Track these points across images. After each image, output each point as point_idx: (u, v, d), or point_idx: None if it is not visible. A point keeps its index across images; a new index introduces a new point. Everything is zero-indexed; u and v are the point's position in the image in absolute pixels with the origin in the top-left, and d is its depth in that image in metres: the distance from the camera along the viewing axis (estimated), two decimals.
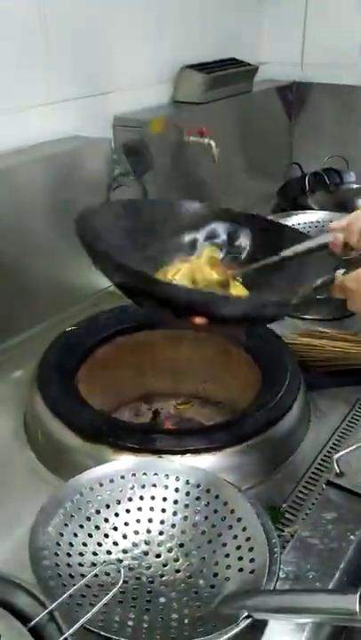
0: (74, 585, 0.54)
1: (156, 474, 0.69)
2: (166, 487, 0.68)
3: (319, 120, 1.78)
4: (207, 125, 1.42)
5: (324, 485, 0.75)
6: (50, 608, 0.48)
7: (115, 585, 0.56)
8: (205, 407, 1.08)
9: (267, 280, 0.86)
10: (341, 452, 0.76)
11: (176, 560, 0.63)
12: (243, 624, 0.52)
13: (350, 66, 1.70)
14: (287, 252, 0.85)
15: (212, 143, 1.37)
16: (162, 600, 0.59)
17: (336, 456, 0.75)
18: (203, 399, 1.08)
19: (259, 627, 0.57)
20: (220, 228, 0.95)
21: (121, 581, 0.49)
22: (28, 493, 0.76)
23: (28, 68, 1.14)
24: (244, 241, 0.94)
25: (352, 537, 0.66)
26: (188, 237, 0.94)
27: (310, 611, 0.50)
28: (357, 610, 0.46)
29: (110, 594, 0.47)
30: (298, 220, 1.22)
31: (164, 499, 0.68)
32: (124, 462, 0.70)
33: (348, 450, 0.75)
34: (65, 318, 1.15)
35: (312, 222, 1.21)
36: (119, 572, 0.50)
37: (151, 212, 0.94)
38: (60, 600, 0.48)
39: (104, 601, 0.47)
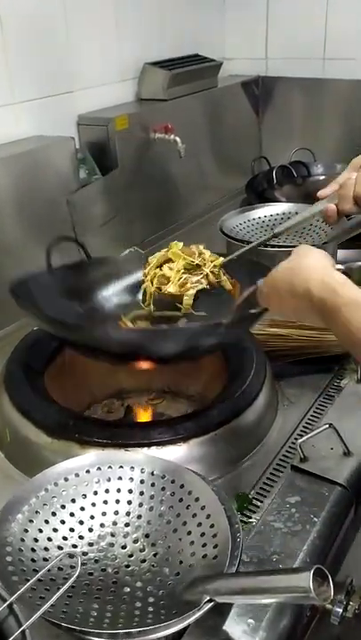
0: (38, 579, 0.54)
1: (121, 466, 0.70)
2: (132, 479, 0.69)
3: (286, 114, 1.80)
4: (173, 122, 1.43)
5: (289, 471, 0.76)
6: (9, 601, 0.48)
7: (78, 577, 0.57)
8: (177, 401, 1.08)
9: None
10: (304, 437, 0.77)
11: (142, 550, 0.64)
12: (205, 608, 0.53)
13: (315, 59, 1.72)
14: (280, 228, 0.86)
15: (178, 139, 1.38)
16: (126, 590, 0.59)
17: (299, 441, 0.76)
18: (174, 394, 1.09)
19: (224, 611, 0.58)
20: None
21: (78, 571, 0.50)
22: None
23: None
24: None
25: (315, 519, 0.67)
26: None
27: (268, 591, 0.50)
28: (311, 587, 0.47)
29: (65, 586, 0.48)
30: (264, 212, 1.22)
31: (130, 491, 0.68)
32: (89, 457, 0.70)
33: (310, 435, 0.76)
34: None
35: (278, 214, 1.22)
36: (73, 567, 0.50)
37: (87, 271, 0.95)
38: (18, 593, 0.48)
39: (59, 593, 0.48)
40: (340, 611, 0.74)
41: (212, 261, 0.87)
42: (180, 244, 0.90)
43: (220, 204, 1.67)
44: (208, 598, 0.53)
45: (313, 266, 0.66)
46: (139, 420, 0.96)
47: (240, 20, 1.76)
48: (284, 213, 1.23)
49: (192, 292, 0.84)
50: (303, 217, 0.86)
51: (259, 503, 0.74)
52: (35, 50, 1.22)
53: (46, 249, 0.92)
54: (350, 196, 0.77)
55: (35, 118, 1.25)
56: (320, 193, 0.82)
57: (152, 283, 0.88)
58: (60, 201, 1.23)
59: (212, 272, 0.86)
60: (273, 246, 1.09)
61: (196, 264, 0.86)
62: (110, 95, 1.42)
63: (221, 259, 0.88)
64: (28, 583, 0.51)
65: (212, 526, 0.62)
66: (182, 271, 0.86)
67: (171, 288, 0.84)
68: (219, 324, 0.72)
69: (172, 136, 1.39)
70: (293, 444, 0.83)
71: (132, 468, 0.69)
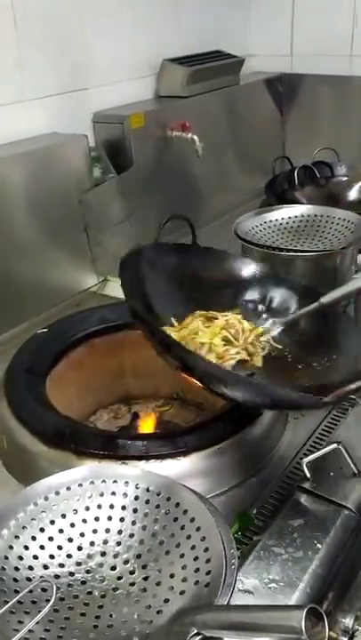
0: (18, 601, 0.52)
1: (115, 481, 0.66)
2: (125, 495, 0.66)
3: (310, 112, 1.74)
4: (192, 119, 1.39)
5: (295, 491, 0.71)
6: None
7: (62, 600, 0.54)
8: (186, 409, 1.05)
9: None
10: (311, 457, 0.72)
11: (132, 572, 0.60)
12: None
13: (341, 56, 1.66)
14: (328, 298, 0.84)
15: (195, 138, 1.34)
16: (113, 616, 0.56)
17: (305, 460, 0.72)
18: (183, 401, 1.06)
19: None
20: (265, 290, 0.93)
21: (53, 599, 0.47)
22: None
23: (3, 64, 1.12)
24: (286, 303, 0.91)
25: (318, 545, 0.63)
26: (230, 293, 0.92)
27: (258, 628, 0.46)
28: (303, 628, 0.43)
29: (38, 616, 0.45)
30: (281, 214, 1.18)
31: (123, 507, 0.65)
32: (82, 470, 0.67)
33: (318, 454, 0.72)
34: (45, 319, 1.12)
35: (296, 216, 1.17)
36: (58, 587, 0.47)
37: (198, 259, 0.92)
38: None
39: (35, 620, 0.45)
40: None
41: (250, 330, 0.86)
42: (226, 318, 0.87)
43: (238, 205, 1.62)
44: (195, 631, 0.50)
45: None
46: (141, 430, 0.93)
47: (265, 16, 1.71)
48: (303, 216, 1.18)
49: (231, 362, 0.82)
50: (353, 287, 0.84)
51: (261, 524, 0.70)
52: (50, 46, 1.20)
53: (159, 225, 0.92)
54: None
55: (49, 115, 1.22)
56: None
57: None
58: (73, 200, 1.21)
59: (251, 343, 0.85)
60: (289, 251, 1.05)
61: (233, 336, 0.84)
62: (127, 92, 1.39)
63: (260, 329, 0.87)
64: (5, 607, 0.48)
65: (206, 550, 0.58)
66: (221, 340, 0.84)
67: (210, 358, 0.82)
68: (319, 401, 0.69)
69: (190, 134, 1.35)
70: (300, 462, 0.79)
71: (127, 483, 0.66)
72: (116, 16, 1.33)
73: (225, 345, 0.83)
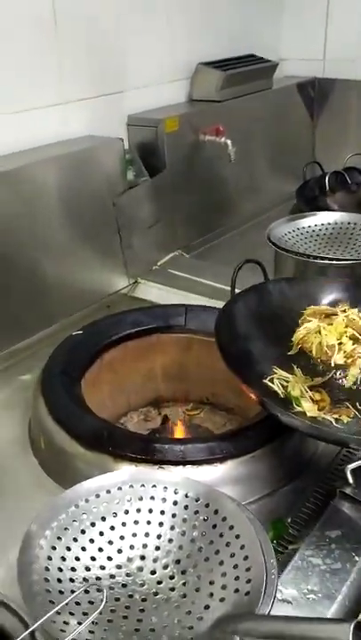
0: (62, 602, 0.53)
1: (154, 486, 0.67)
2: (164, 500, 0.66)
3: (342, 117, 1.74)
4: (225, 123, 1.39)
5: (333, 498, 0.72)
6: (31, 629, 0.46)
7: (106, 603, 0.55)
8: (216, 414, 1.05)
9: None
10: (356, 464, 0.72)
11: (171, 577, 0.61)
12: None
13: None
14: None
15: (228, 142, 1.35)
16: (153, 620, 0.57)
17: (350, 467, 0.72)
18: (213, 405, 1.06)
19: None
20: None
21: (103, 605, 0.48)
22: (28, 501, 0.75)
23: (40, 68, 1.14)
24: None
25: (356, 558, 0.63)
26: None
27: (302, 639, 0.47)
28: None
29: (87, 620, 0.45)
30: (314, 221, 1.18)
31: (162, 512, 0.66)
32: (121, 473, 0.68)
33: None
34: (76, 320, 1.14)
35: (329, 223, 1.17)
36: (100, 591, 0.48)
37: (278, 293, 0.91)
38: (40, 621, 0.46)
39: (82, 627, 0.46)
40: None
41: None
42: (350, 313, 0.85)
43: (268, 210, 1.62)
44: (238, 639, 0.50)
45: None
46: (175, 436, 0.93)
47: (299, 20, 1.71)
48: (336, 223, 1.18)
49: (360, 362, 0.80)
50: None
51: (296, 533, 0.70)
52: (86, 49, 1.21)
53: (233, 274, 0.91)
54: None
55: (84, 118, 1.24)
56: None
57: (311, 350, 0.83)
58: (107, 202, 1.22)
59: None
60: (323, 258, 1.06)
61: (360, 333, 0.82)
62: (161, 96, 1.40)
63: None
64: (53, 610, 0.49)
65: (245, 558, 0.59)
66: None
67: (339, 359, 0.80)
68: None
69: (223, 139, 1.36)
70: (337, 469, 0.79)
71: (166, 488, 0.67)
72: (151, 20, 1.33)
73: (353, 344, 0.81)
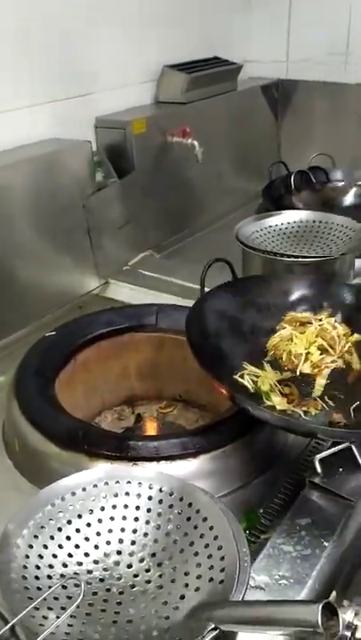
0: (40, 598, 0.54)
1: (129, 482, 0.68)
2: (139, 495, 0.68)
3: (305, 118, 1.77)
4: (192, 125, 1.41)
5: (303, 488, 0.74)
6: (10, 624, 0.48)
7: (83, 597, 0.56)
8: (189, 411, 1.07)
9: None
10: (323, 454, 0.75)
11: (147, 570, 0.63)
12: (209, 636, 0.52)
13: (336, 62, 1.69)
14: None
15: (195, 143, 1.37)
16: (131, 611, 0.58)
17: (318, 457, 0.74)
18: (186, 402, 1.08)
19: (228, 638, 0.57)
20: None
21: (80, 598, 0.49)
22: (3, 503, 0.76)
23: (7, 71, 1.14)
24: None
25: (325, 543, 0.66)
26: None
27: (275, 622, 0.49)
28: (319, 621, 0.45)
29: (66, 613, 0.47)
30: (280, 219, 1.20)
31: (137, 507, 0.67)
32: (96, 471, 0.69)
33: (330, 451, 0.74)
34: (49, 322, 1.15)
35: (295, 222, 1.20)
36: (78, 586, 0.49)
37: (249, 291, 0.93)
38: (19, 616, 0.47)
39: (63, 617, 0.47)
40: (349, 635, 0.73)
41: (345, 335, 0.85)
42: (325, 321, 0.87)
43: (236, 209, 1.65)
44: (213, 626, 0.52)
45: None
46: (148, 433, 0.95)
47: (262, 23, 1.74)
48: (301, 221, 1.21)
49: (327, 371, 0.82)
50: None
51: (268, 522, 0.73)
52: (53, 52, 1.21)
53: (202, 274, 0.92)
54: None
55: (52, 120, 1.24)
56: None
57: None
58: (76, 204, 1.23)
59: (347, 351, 0.84)
60: (290, 256, 1.08)
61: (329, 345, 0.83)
62: (128, 98, 1.41)
63: (357, 336, 0.85)
64: (32, 605, 0.50)
65: (219, 548, 0.61)
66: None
67: (305, 369, 0.82)
68: None
69: (190, 140, 1.38)
70: (306, 460, 0.81)
71: (140, 483, 0.68)
72: (117, 22, 1.34)
73: (321, 354, 0.82)
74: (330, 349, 0.83)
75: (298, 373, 0.83)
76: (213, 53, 1.60)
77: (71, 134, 1.25)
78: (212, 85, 1.53)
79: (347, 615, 0.74)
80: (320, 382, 0.82)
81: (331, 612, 0.48)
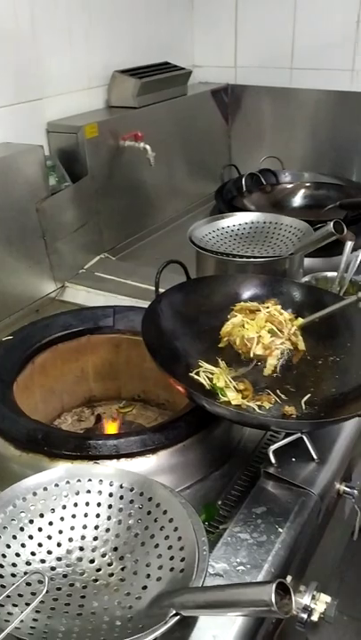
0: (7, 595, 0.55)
1: (90, 480, 0.70)
2: (100, 492, 0.70)
3: (255, 122, 1.82)
4: (143, 129, 1.43)
5: (259, 479, 0.77)
6: None
7: (47, 593, 0.57)
8: (148, 410, 1.09)
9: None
10: (276, 445, 0.78)
11: (110, 564, 0.65)
12: (171, 622, 0.54)
13: (282, 68, 1.74)
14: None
15: (148, 147, 1.39)
16: (95, 604, 0.60)
17: (272, 448, 0.78)
18: (145, 402, 1.10)
19: (190, 623, 0.59)
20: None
21: (44, 592, 0.50)
22: None
23: None
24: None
25: (280, 529, 0.69)
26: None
27: (232, 604, 0.52)
28: (273, 600, 0.48)
29: (29, 607, 0.48)
30: (232, 221, 1.23)
31: (99, 504, 0.69)
32: (57, 470, 0.70)
33: (283, 442, 0.78)
34: (6, 326, 1.15)
35: (246, 223, 1.24)
36: (42, 582, 0.50)
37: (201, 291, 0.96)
38: None
39: (27, 611, 0.48)
40: (305, 617, 0.77)
41: (290, 320, 0.91)
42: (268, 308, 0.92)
43: (190, 211, 1.68)
44: (174, 612, 0.54)
45: None
46: (108, 432, 0.96)
47: (209, 29, 1.78)
48: (253, 222, 1.25)
49: (277, 352, 0.88)
50: None
51: (226, 513, 0.75)
52: (3, 57, 1.21)
53: (156, 276, 0.95)
54: None
55: (3, 125, 1.24)
56: None
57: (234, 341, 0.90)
58: (29, 208, 1.23)
59: (293, 333, 0.90)
60: (242, 257, 1.12)
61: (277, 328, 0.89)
62: (80, 102, 1.42)
63: (300, 320, 0.91)
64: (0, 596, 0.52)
65: (179, 539, 0.63)
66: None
67: (258, 350, 0.87)
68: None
69: (142, 144, 1.40)
70: (262, 452, 0.85)
71: (101, 481, 0.70)
72: (67, 28, 1.35)
73: (271, 337, 0.88)
74: (279, 332, 0.89)
75: (252, 355, 0.88)
76: (163, 59, 1.63)
77: (23, 139, 1.25)
78: (163, 90, 1.56)
79: (304, 599, 0.78)
80: (271, 362, 0.88)
81: (284, 591, 0.50)
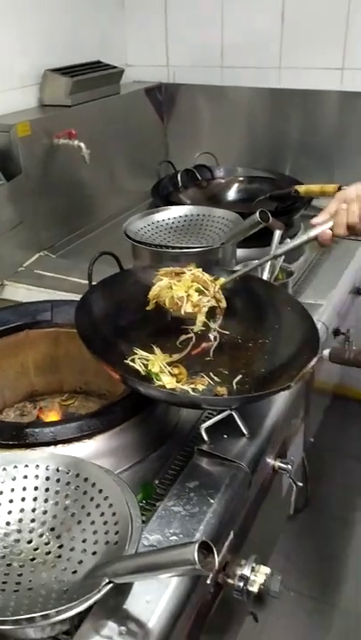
0: None
1: (26, 465, 0.72)
2: (37, 477, 0.71)
3: (189, 119, 1.86)
4: (78, 128, 1.45)
5: (193, 456, 0.81)
6: None
7: None
8: (89, 401, 1.11)
9: None
10: (208, 423, 0.82)
11: (47, 543, 0.67)
12: (104, 590, 0.57)
13: (214, 67, 1.79)
14: (279, 251, 0.97)
15: (82, 145, 1.40)
16: (31, 581, 0.62)
17: (203, 426, 0.81)
18: (87, 393, 1.12)
19: (125, 590, 0.62)
20: None
21: None
22: None
23: None
24: None
25: (211, 501, 0.72)
26: None
27: (160, 566, 0.55)
28: (196, 558, 0.51)
29: None
30: (167, 215, 1.27)
31: (36, 488, 0.71)
32: None
33: (214, 420, 0.81)
34: None
35: (180, 216, 1.27)
36: None
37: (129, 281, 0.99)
38: None
39: None
40: (241, 585, 0.80)
41: (213, 282, 0.95)
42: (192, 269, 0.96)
43: (128, 208, 1.71)
44: (107, 580, 0.57)
45: None
46: (46, 420, 0.98)
47: (140, 29, 1.81)
48: (186, 215, 1.28)
49: (205, 309, 0.92)
50: (301, 240, 0.97)
51: (163, 492, 0.78)
52: None
53: (88, 268, 0.98)
54: (344, 223, 0.92)
55: None
56: (314, 221, 0.94)
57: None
58: None
59: (217, 292, 0.95)
60: (174, 248, 1.15)
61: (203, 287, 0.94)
62: (13, 101, 1.43)
63: (222, 279, 0.97)
64: None
65: (113, 514, 0.66)
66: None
67: (188, 308, 0.91)
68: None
69: (76, 142, 1.41)
70: (198, 433, 0.87)
71: (37, 466, 0.72)
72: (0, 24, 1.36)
73: (199, 295, 0.92)
74: (205, 291, 0.93)
75: (183, 312, 0.92)
76: (95, 57, 1.65)
77: None
78: (96, 89, 1.58)
79: (244, 571, 0.82)
80: (200, 319, 0.93)
81: (207, 551, 0.54)
